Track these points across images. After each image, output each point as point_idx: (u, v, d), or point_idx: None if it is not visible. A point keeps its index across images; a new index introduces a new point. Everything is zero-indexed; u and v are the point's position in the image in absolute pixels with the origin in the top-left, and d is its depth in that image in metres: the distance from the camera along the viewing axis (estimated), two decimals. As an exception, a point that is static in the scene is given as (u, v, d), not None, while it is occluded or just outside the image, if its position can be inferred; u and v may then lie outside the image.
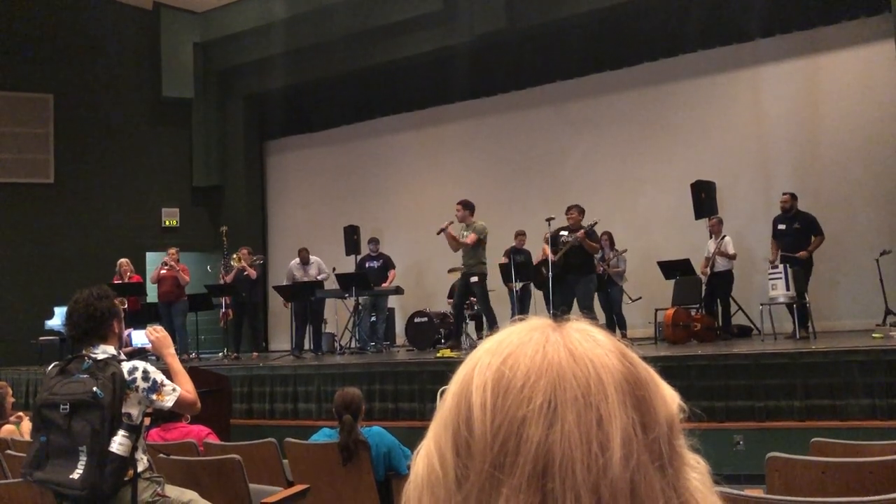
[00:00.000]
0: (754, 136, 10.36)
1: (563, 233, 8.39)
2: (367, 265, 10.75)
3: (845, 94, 9.83)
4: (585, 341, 0.58)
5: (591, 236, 8.35)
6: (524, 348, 0.57)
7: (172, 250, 10.40)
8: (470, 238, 8.35)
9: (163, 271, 10.14)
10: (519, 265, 9.43)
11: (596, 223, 8.46)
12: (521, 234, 10.10)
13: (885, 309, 8.44)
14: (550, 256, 8.35)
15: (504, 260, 9.92)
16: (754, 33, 10.14)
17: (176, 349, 3.78)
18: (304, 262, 10.49)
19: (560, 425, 0.53)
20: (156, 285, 10.39)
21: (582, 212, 8.55)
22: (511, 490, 0.52)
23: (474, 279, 8.46)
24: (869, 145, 9.57)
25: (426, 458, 0.58)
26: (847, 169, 9.68)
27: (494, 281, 10.26)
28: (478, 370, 0.57)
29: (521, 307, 9.62)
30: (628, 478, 0.52)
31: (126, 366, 2.86)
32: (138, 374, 2.87)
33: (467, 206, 8.52)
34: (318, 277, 10.36)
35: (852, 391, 5.81)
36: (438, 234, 8.41)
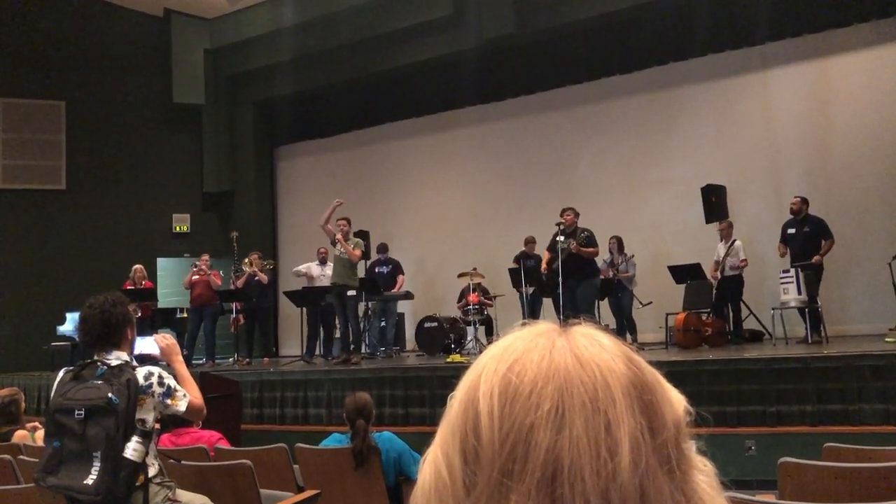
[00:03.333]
0: (765, 140, 10.32)
1: (559, 238, 8.40)
2: (376, 270, 10.76)
3: (856, 98, 9.78)
4: (591, 346, 0.58)
5: (588, 243, 8.34)
6: (530, 354, 0.57)
7: (205, 257, 10.50)
8: (358, 252, 9.07)
9: (195, 277, 10.21)
10: (529, 270, 9.43)
11: (585, 231, 8.45)
12: (531, 241, 10.10)
13: (898, 313, 8.38)
14: (544, 264, 8.46)
15: (514, 265, 9.92)
16: (764, 37, 10.11)
17: (184, 354, 3.79)
18: (322, 263, 10.48)
19: (568, 431, 0.53)
20: (181, 292, 10.49)
21: (577, 214, 8.58)
22: (520, 497, 0.52)
23: (352, 292, 9.08)
24: (880, 148, 9.51)
25: (433, 465, 0.58)
26: (858, 172, 9.63)
27: (504, 285, 10.27)
28: (484, 377, 0.58)
29: (531, 311, 9.63)
30: (637, 482, 0.52)
31: (141, 371, 2.88)
32: (154, 380, 2.90)
33: (350, 223, 9.35)
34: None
35: (865, 396, 5.77)
36: (335, 244, 9.08)
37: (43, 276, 12.34)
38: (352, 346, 9.25)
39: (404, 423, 7.19)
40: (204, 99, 13.65)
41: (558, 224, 8.51)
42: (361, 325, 10.74)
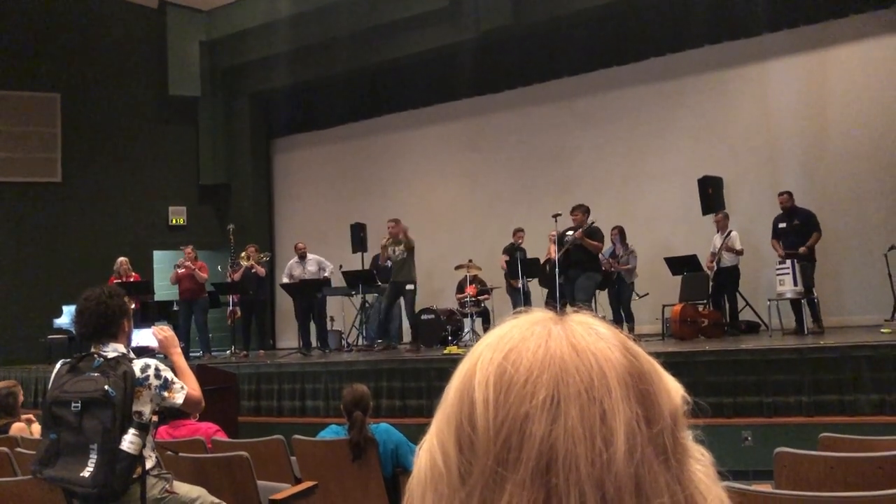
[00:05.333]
0: (762, 132, 10.32)
1: (569, 233, 8.42)
2: (379, 263, 10.73)
3: (853, 89, 9.78)
4: (588, 335, 0.58)
5: (593, 235, 8.33)
6: (526, 343, 0.57)
7: (188, 249, 10.45)
8: (411, 246, 9.47)
9: (179, 271, 10.20)
10: (523, 263, 9.42)
11: (594, 222, 8.44)
12: (519, 231, 10.08)
13: (893, 304, 8.40)
14: (553, 254, 8.43)
15: (506, 257, 9.90)
16: (761, 28, 10.09)
17: (182, 347, 3.79)
18: (302, 258, 10.49)
19: (563, 420, 0.52)
20: (173, 286, 10.50)
21: (586, 212, 8.54)
22: (515, 486, 0.52)
23: (410, 287, 9.46)
24: (877, 139, 9.52)
25: (429, 454, 0.58)
26: (855, 164, 9.64)
27: (500, 280, 10.27)
28: (479, 365, 0.57)
29: (525, 303, 9.61)
30: (633, 472, 0.52)
31: (138, 364, 2.88)
32: (151, 372, 2.90)
33: (399, 223, 9.55)
34: (324, 275, 10.40)
35: (861, 386, 5.79)
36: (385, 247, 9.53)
37: (39, 268, 12.31)
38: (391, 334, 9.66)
39: (402, 415, 7.20)
40: (200, 91, 13.60)
41: (555, 216, 8.50)
42: (360, 318, 10.75)
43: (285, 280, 10.50)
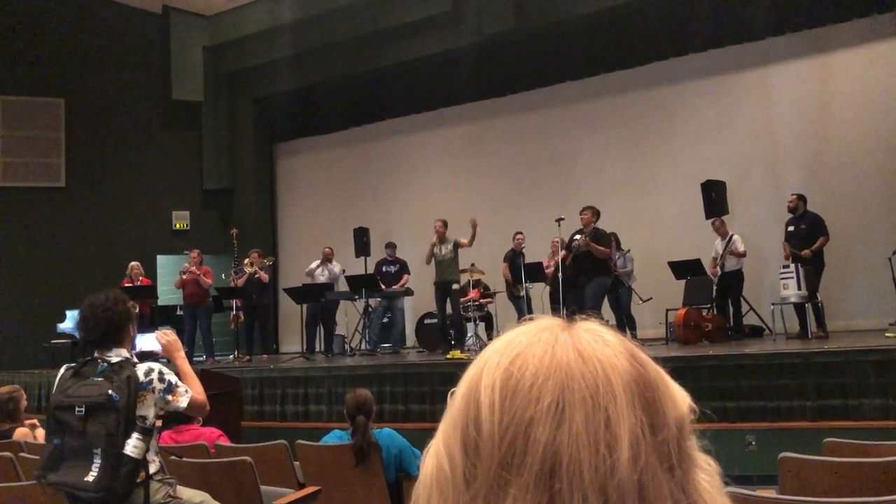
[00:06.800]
0: (765, 136, 10.31)
1: (576, 236, 8.38)
2: (383, 269, 10.75)
3: (856, 93, 9.77)
4: (595, 342, 0.58)
5: (600, 240, 8.29)
6: (533, 348, 0.57)
7: (194, 253, 10.47)
8: (463, 241, 9.43)
9: (184, 276, 10.22)
10: (526, 268, 9.39)
11: (594, 227, 8.40)
12: (518, 234, 10.06)
13: (898, 307, 8.39)
14: (560, 259, 8.40)
15: (504, 264, 9.88)
16: (764, 32, 10.09)
17: (187, 352, 3.79)
18: (328, 262, 10.54)
19: (568, 426, 0.53)
20: (179, 290, 10.52)
21: (596, 213, 8.49)
22: (518, 490, 0.52)
23: (455, 286, 9.47)
24: (880, 143, 9.51)
25: (435, 458, 0.59)
26: (858, 167, 9.63)
27: (503, 284, 10.26)
28: (486, 370, 0.58)
29: (529, 310, 9.60)
30: (636, 479, 0.52)
31: (141, 368, 2.89)
32: (154, 376, 2.90)
33: (446, 224, 9.68)
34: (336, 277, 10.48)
35: (865, 391, 5.77)
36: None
37: (42, 273, 12.33)
38: (450, 337, 9.50)
39: (405, 420, 7.20)
40: (203, 96, 13.64)
41: (558, 220, 8.49)
42: (363, 322, 10.77)
43: (307, 279, 10.54)
